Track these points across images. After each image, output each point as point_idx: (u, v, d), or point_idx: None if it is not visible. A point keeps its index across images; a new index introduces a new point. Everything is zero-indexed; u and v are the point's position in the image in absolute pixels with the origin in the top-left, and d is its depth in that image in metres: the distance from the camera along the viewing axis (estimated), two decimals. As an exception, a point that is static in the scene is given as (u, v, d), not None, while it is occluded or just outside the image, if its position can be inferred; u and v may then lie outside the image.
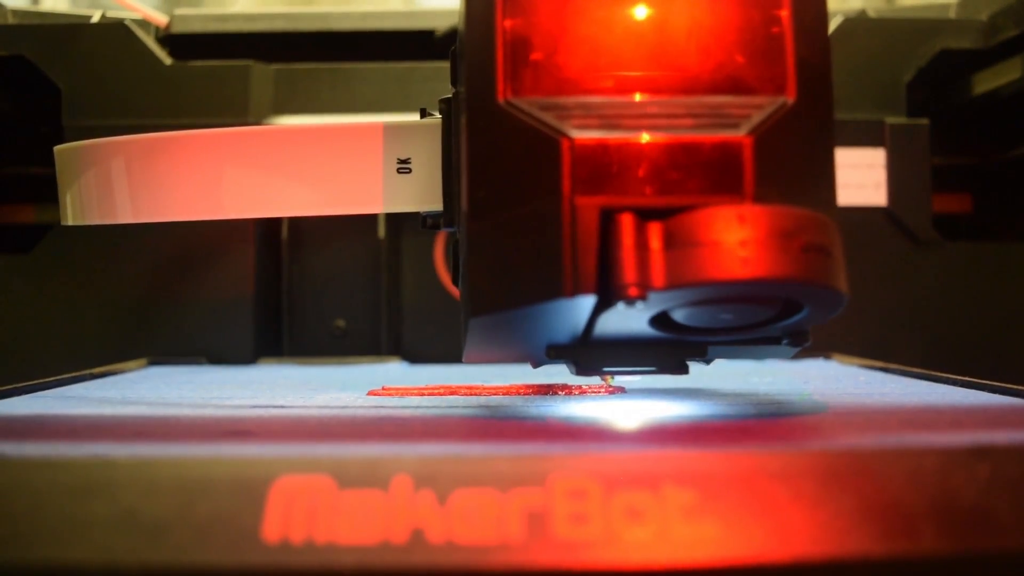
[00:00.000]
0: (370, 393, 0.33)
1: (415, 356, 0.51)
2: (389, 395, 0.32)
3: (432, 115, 0.29)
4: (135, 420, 0.27)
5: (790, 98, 0.23)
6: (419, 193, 0.28)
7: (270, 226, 0.51)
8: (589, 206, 0.22)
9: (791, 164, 0.23)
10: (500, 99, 0.23)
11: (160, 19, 0.51)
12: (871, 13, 0.52)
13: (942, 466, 0.19)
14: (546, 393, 0.32)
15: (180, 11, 0.52)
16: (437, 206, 0.28)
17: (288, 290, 0.52)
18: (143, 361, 0.48)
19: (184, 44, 0.51)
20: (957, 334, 0.50)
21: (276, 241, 0.52)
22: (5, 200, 0.54)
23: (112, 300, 0.50)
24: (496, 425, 0.25)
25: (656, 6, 0.23)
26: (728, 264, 0.21)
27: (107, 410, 0.29)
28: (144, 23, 0.51)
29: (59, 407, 0.30)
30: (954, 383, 0.34)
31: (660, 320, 0.24)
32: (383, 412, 0.28)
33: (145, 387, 0.37)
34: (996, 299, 0.51)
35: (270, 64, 0.51)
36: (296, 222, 0.52)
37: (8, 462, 0.20)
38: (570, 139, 0.22)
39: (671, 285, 0.21)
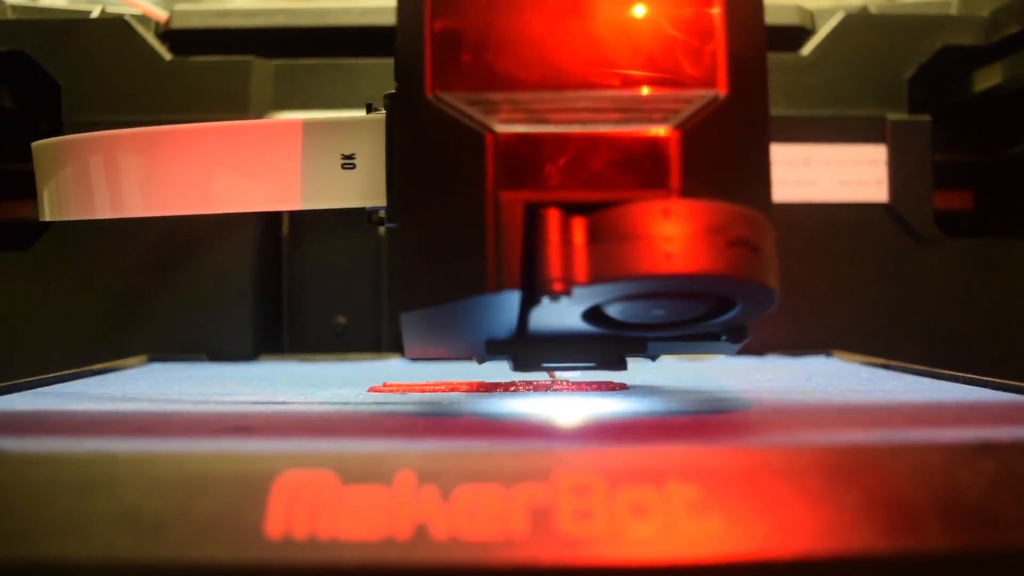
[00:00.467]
0: (371, 390, 0.33)
1: (416, 353, 0.51)
2: (391, 391, 0.32)
3: (378, 110, 0.28)
4: (136, 416, 0.27)
5: (721, 92, 0.23)
6: (363, 189, 0.28)
7: (270, 222, 0.51)
8: (513, 200, 0.22)
9: (721, 159, 0.23)
10: (428, 94, 0.23)
11: (160, 15, 0.51)
12: (872, 9, 0.52)
13: (947, 462, 0.19)
14: (547, 390, 0.32)
15: (180, 6, 0.52)
16: (382, 201, 0.28)
17: (288, 286, 0.52)
18: (143, 358, 0.48)
19: (184, 40, 0.51)
20: (958, 331, 0.50)
21: (276, 237, 0.52)
22: (4, 196, 0.54)
23: (112, 297, 0.49)
24: (499, 421, 0.25)
25: (586, 1, 0.23)
26: (652, 259, 0.21)
27: (107, 406, 0.29)
28: (144, 19, 0.51)
29: (59, 404, 0.30)
30: (956, 380, 0.34)
31: (596, 316, 0.24)
32: (385, 408, 0.28)
33: (145, 384, 0.37)
34: (997, 296, 0.51)
35: (270, 60, 0.51)
36: (297, 218, 0.52)
37: (8, 458, 0.20)
38: (494, 133, 0.22)
39: (595, 280, 0.21)
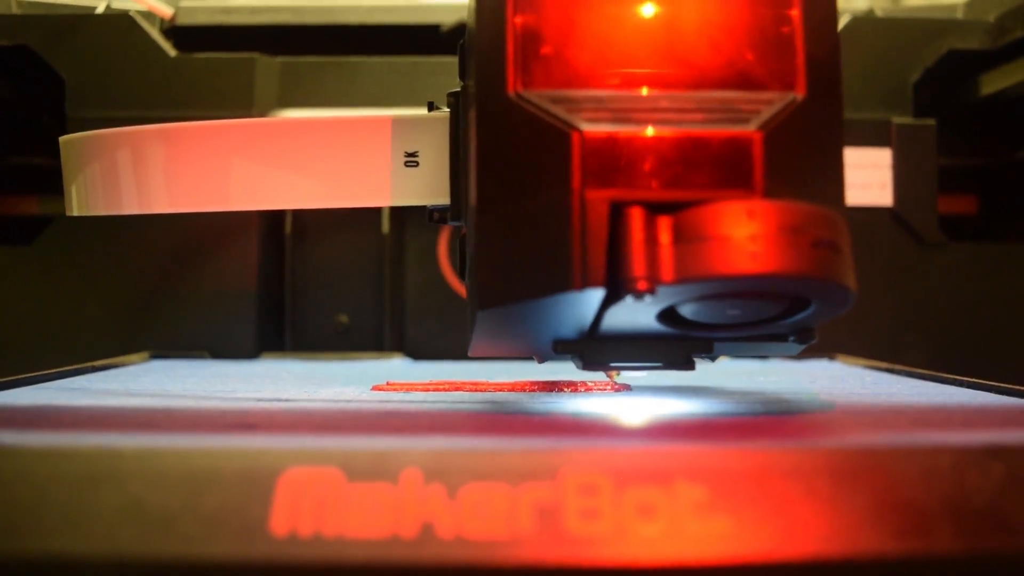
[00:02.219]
0: (375, 388, 0.33)
1: (418, 352, 0.51)
2: (394, 390, 0.32)
3: (440, 109, 0.29)
4: (140, 412, 0.27)
5: (800, 94, 0.23)
6: (426, 186, 0.28)
7: (273, 220, 0.51)
8: (599, 199, 0.22)
9: (801, 160, 0.23)
10: (510, 92, 0.23)
11: (165, 11, 0.51)
12: (878, 13, 0.52)
13: (955, 465, 0.19)
14: (551, 390, 0.32)
15: (185, 3, 0.52)
16: (444, 200, 0.28)
17: (291, 285, 0.52)
18: (145, 354, 0.47)
19: (189, 36, 0.51)
20: (962, 335, 0.50)
21: (279, 236, 0.52)
22: (7, 191, 0.54)
23: (114, 293, 0.49)
24: (505, 419, 0.25)
25: (667, 1, 0.23)
26: (737, 259, 0.21)
27: (111, 402, 0.29)
28: (149, 14, 0.51)
29: (62, 399, 0.30)
30: (961, 384, 0.34)
31: (667, 315, 0.24)
32: (390, 406, 0.28)
33: (148, 380, 0.36)
34: (1001, 301, 0.51)
35: (275, 57, 0.51)
36: (300, 217, 0.52)
37: (12, 452, 0.20)
38: (580, 132, 0.22)
39: (680, 279, 0.21)
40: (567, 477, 0.19)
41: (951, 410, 0.27)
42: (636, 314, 0.23)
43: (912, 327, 0.50)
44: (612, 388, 0.32)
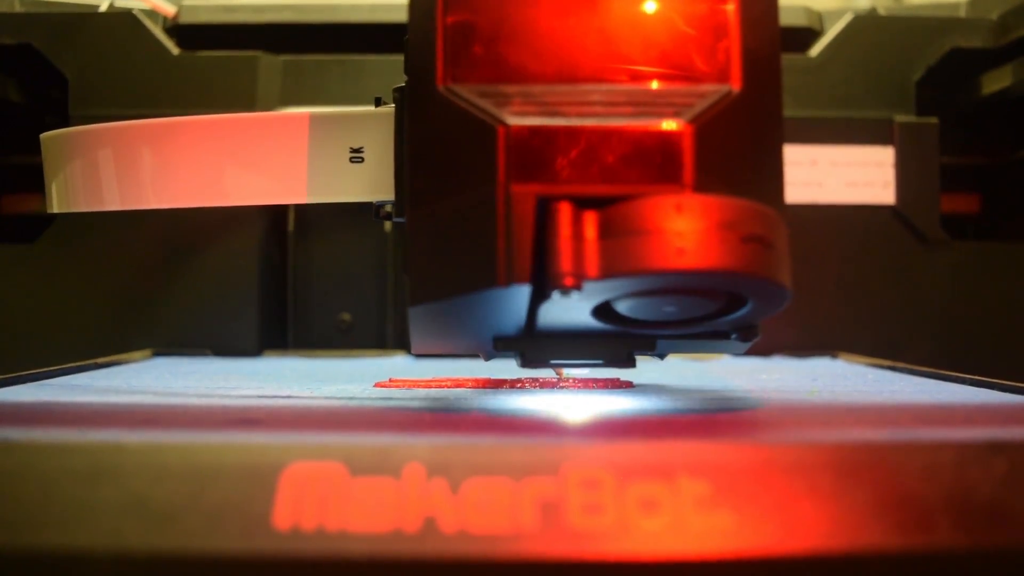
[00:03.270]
0: (377, 385, 0.33)
1: (420, 350, 0.51)
2: (397, 387, 0.32)
3: (387, 104, 0.28)
4: (143, 408, 0.27)
5: (735, 87, 0.23)
6: (371, 183, 0.28)
7: (276, 218, 0.51)
8: (525, 194, 0.21)
9: (735, 154, 0.23)
10: (440, 85, 0.23)
11: (168, 9, 0.51)
12: (881, 11, 0.52)
13: (957, 461, 0.19)
14: (553, 386, 0.32)
15: (188, 1, 0.52)
16: (390, 196, 0.28)
17: (293, 283, 0.52)
18: (147, 352, 0.48)
19: (192, 34, 0.51)
20: (964, 334, 0.50)
21: (282, 233, 0.52)
22: (10, 190, 0.54)
23: (116, 291, 0.49)
24: (508, 415, 0.25)
25: None
26: (664, 254, 0.20)
27: (114, 398, 0.29)
28: (152, 13, 0.51)
29: (65, 395, 0.30)
30: (963, 382, 0.34)
31: (606, 312, 0.23)
32: (392, 403, 0.28)
33: (150, 377, 0.36)
34: (1003, 299, 0.51)
35: (278, 55, 0.51)
36: (302, 214, 0.52)
37: (16, 447, 0.20)
38: (506, 126, 0.22)
39: (606, 275, 0.21)
40: (569, 472, 0.19)
41: (953, 407, 0.27)
42: (571, 311, 0.23)
43: (914, 325, 0.50)
44: (615, 385, 0.32)
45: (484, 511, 0.18)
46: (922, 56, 0.50)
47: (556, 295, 0.21)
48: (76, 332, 0.49)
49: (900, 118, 0.50)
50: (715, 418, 0.25)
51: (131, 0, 0.51)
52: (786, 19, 0.51)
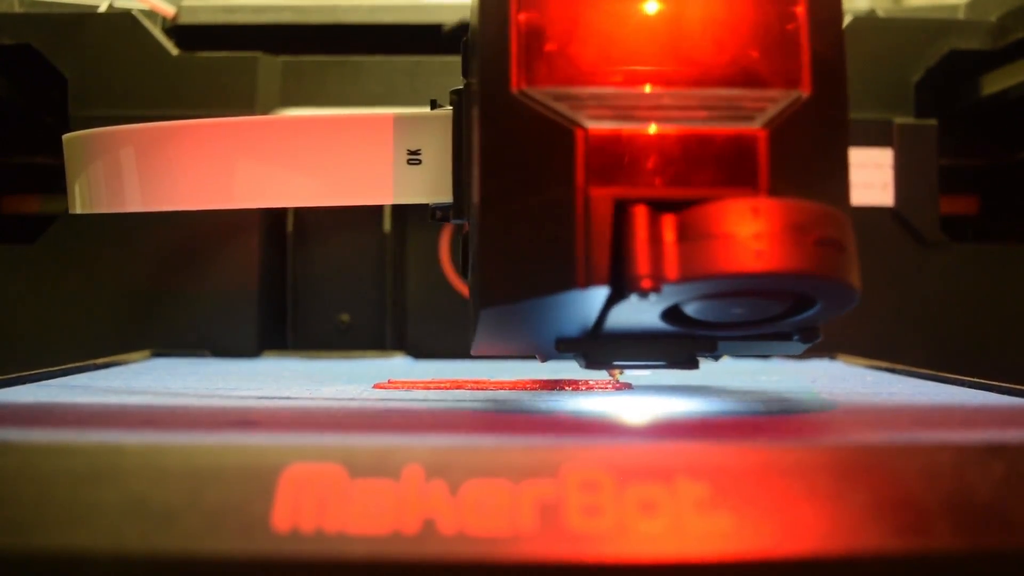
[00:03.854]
0: (376, 386, 0.33)
1: (419, 351, 0.51)
2: (396, 388, 0.32)
3: (443, 107, 0.29)
4: (142, 409, 0.27)
5: (805, 92, 0.23)
6: (429, 184, 0.28)
7: (275, 219, 0.51)
8: (603, 197, 0.22)
9: (805, 158, 0.23)
10: (514, 89, 0.23)
11: (168, 10, 0.51)
12: (880, 13, 0.52)
13: (955, 463, 0.19)
14: (553, 388, 0.32)
15: (188, 2, 0.52)
16: (447, 198, 0.28)
17: (293, 284, 0.52)
18: (146, 353, 0.48)
19: (191, 35, 0.51)
20: (963, 336, 0.50)
21: (281, 234, 0.52)
22: (10, 190, 0.54)
23: (116, 291, 0.49)
24: (507, 417, 0.25)
25: None
26: (742, 257, 0.21)
27: (113, 399, 0.29)
28: (151, 13, 0.51)
29: (64, 396, 0.30)
30: (962, 384, 0.34)
31: (670, 314, 0.24)
32: (391, 404, 0.28)
33: (149, 378, 0.36)
34: (1002, 301, 0.51)
35: (277, 56, 0.51)
36: (301, 216, 0.52)
37: (15, 448, 0.20)
38: (584, 129, 0.22)
39: (685, 277, 0.21)
40: (568, 474, 0.19)
41: (952, 409, 0.27)
42: (640, 313, 0.23)
43: (913, 327, 0.50)
44: (613, 387, 0.32)
45: (483, 513, 0.18)
46: (921, 58, 0.50)
47: (634, 297, 0.21)
48: (75, 333, 0.49)
49: (899, 120, 0.50)
50: (714, 420, 0.25)
51: (130, 1, 0.51)
52: (785, 21, 0.52)
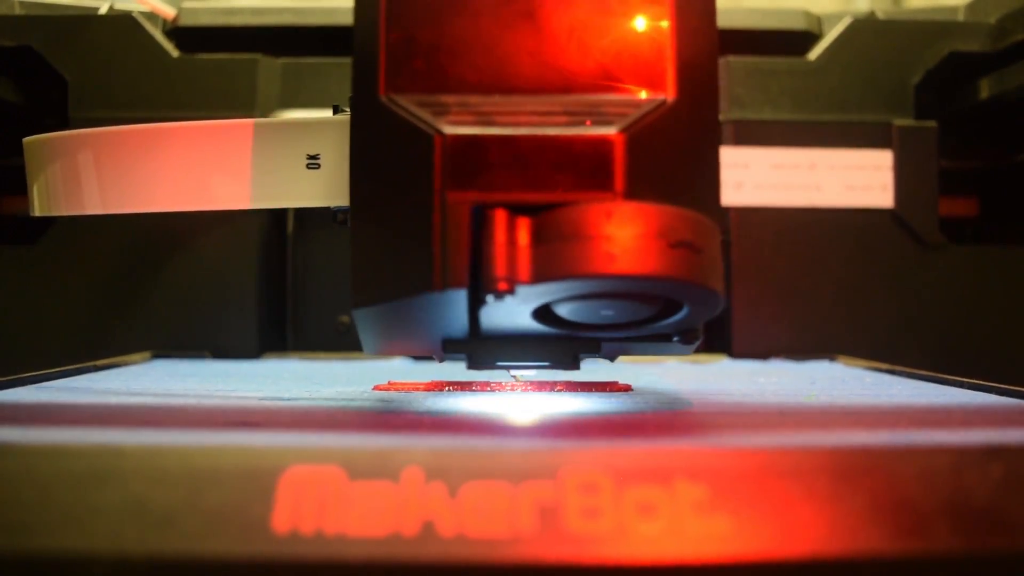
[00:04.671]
0: (376, 388, 0.33)
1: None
2: (395, 390, 0.32)
3: (344, 111, 0.29)
4: (142, 410, 0.27)
5: (669, 97, 0.23)
6: (328, 189, 0.28)
7: (275, 220, 0.51)
8: (460, 201, 0.22)
9: (668, 162, 0.23)
10: (381, 95, 0.23)
11: (168, 12, 0.51)
12: (879, 15, 0.52)
13: (954, 465, 0.19)
14: (551, 390, 0.32)
15: (188, 4, 0.52)
16: (346, 201, 0.28)
17: (293, 285, 0.52)
18: (146, 354, 0.48)
19: (191, 37, 0.51)
20: (962, 338, 0.50)
21: (281, 235, 0.52)
22: (10, 191, 0.54)
23: (116, 293, 0.49)
24: (507, 419, 0.25)
25: (536, 6, 0.23)
26: (594, 259, 0.21)
27: (112, 400, 0.29)
28: (152, 15, 0.51)
29: (64, 397, 0.30)
30: (961, 385, 0.34)
31: (550, 316, 0.24)
32: (391, 405, 0.28)
33: (149, 379, 0.37)
34: (1002, 303, 0.51)
35: (277, 58, 0.51)
36: (301, 217, 0.52)
37: (15, 449, 0.20)
38: (443, 135, 0.22)
39: (538, 279, 0.21)
40: (568, 476, 0.19)
41: (951, 411, 0.27)
42: (513, 315, 0.24)
43: (912, 329, 0.50)
44: (612, 389, 0.32)
45: (482, 515, 0.18)
46: (921, 60, 0.51)
47: (490, 299, 0.21)
48: (75, 334, 0.49)
49: (899, 122, 0.50)
50: (713, 421, 0.25)
51: (131, 2, 0.51)
52: (785, 22, 0.52)
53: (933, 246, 0.50)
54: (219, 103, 0.49)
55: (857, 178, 0.50)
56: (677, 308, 0.24)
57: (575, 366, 0.26)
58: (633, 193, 0.22)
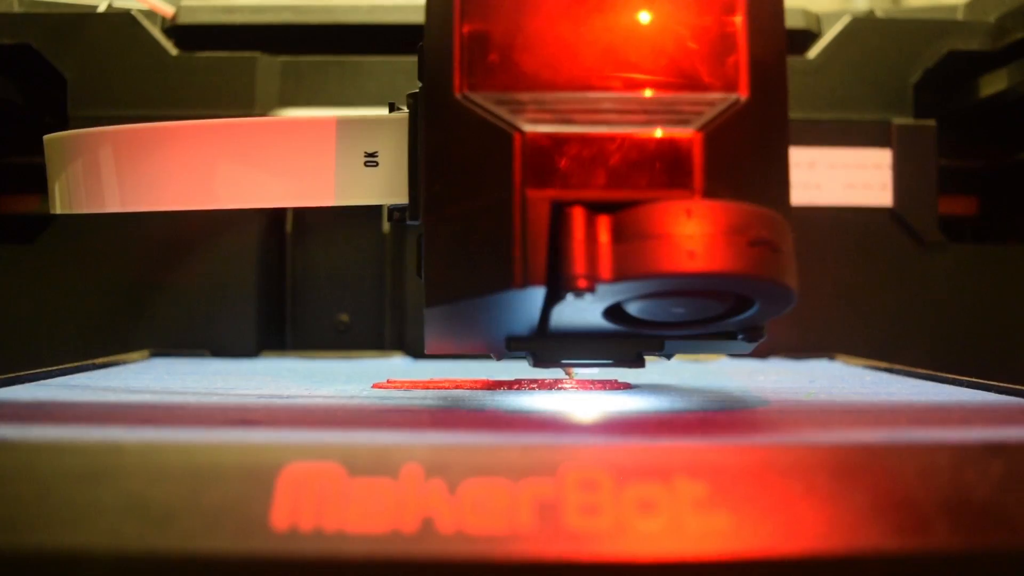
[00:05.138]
0: (375, 386, 0.33)
1: (418, 351, 0.51)
2: (395, 388, 0.32)
3: (401, 109, 0.29)
4: (141, 408, 0.27)
5: (743, 96, 0.23)
6: (385, 186, 0.28)
7: (274, 219, 0.51)
8: (540, 199, 0.22)
9: (742, 161, 0.23)
10: (457, 93, 0.23)
11: (167, 10, 0.51)
12: (879, 13, 0.52)
13: (954, 463, 0.19)
14: (551, 388, 0.32)
15: (187, 2, 0.52)
16: (403, 199, 0.28)
17: (292, 283, 0.52)
18: (145, 352, 0.48)
19: (191, 35, 0.51)
20: (962, 336, 0.50)
21: (280, 234, 0.52)
22: (9, 190, 0.54)
23: (114, 291, 0.49)
24: (506, 416, 0.25)
25: (612, 4, 0.23)
26: (675, 257, 0.21)
27: (112, 398, 0.29)
28: (151, 13, 0.51)
29: (63, 395, 0.30)
30: (961, 384, 0.34)
31: (616, 314, 0.24)
32: (390, 403, 0.28)
33: (148, 377, 0.36)
34: (1001, 301, 0.51)
35: (277, 56, 0.51)
36: (300, 215, 0.52)
37: (14, 446, 0.20)
38: (522, 133, 0.22)
39: (619, 277, 0.21)
40: (567, 473, 0.19)
41: (950, 409, 0.27)
42: (583, 313, 0.23)
43: (912, 327, 0.50)
44: (610, 387, 0.32)
45: (482, 512, 0.18)
46: (920, 59, 0.51)
47: (570, 297, 0.21)
48: (75, 332, 0.49)
49: (898, 120, 0.50)
50: (713, 419, 0.25)
51: (130, 1, 0.51)
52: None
53: (932, 245, 0.50)
54: (218, 101, 0.49)
55: (856, 177, 0.50)
56: (746, 306, 0.24)
57: (639, 364, 0.26)
58: (710, 191, 0.22)
